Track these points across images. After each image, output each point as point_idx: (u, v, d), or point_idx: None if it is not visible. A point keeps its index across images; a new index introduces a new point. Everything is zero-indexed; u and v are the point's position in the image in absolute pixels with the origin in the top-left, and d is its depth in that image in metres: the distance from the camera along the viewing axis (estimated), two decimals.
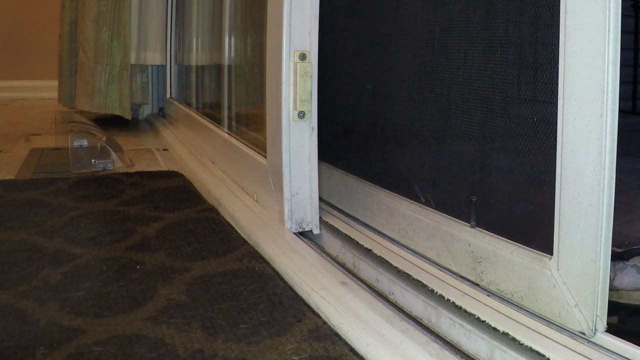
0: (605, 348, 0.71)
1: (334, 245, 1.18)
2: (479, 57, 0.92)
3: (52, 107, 3.07)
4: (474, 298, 0.85)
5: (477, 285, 0.90)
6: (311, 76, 1.20)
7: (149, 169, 1.92)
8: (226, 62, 2.04)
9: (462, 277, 0.93)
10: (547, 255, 0.78)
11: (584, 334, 0.73)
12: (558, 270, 0.76)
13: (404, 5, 1.13)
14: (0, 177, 1.77)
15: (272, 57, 1.26)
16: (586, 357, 0.70)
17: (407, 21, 1.13)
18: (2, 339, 0.83)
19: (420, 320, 0.90)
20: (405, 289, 0.95)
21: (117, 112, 2.65)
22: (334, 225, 1.21)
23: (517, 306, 0.83)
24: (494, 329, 0.77)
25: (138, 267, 1.09)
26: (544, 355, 0.71)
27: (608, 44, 0.68)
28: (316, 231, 1.23)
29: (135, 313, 0.91)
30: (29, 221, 1.35)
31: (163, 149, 2.30)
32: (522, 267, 0.82)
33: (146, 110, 3.07)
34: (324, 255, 1.14)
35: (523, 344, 0.73)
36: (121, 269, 1.08)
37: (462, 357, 0.79)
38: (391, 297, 0.98)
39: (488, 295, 0.86)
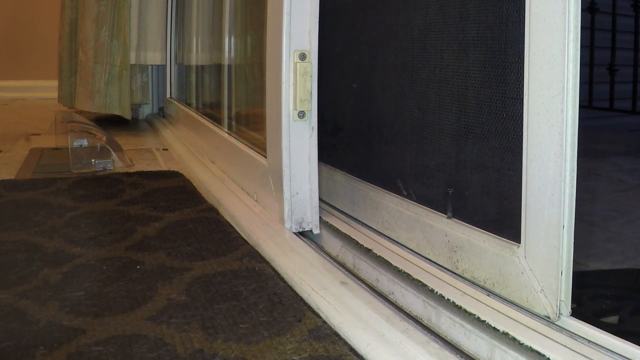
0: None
1: (334, 245, 1.18)
2: (454, 56, 0.96)
3: (52, 107, 3.07)
4: (473, 297, 0.85)
5: (455, 273, 0.94)
6: (311, 76, 1.20)
7: (149, 169, 1.92)
8: (226, 62, 2.04)
9: (440, 265, 0.97)
10: (516, 243, 0.82)
11: (549, 317, 0.77)
12: (525, 257, 0.80)
13: (387, 7, 1.17)
14: (0, 177, 1.77)
15: (272, 57, 1.26)
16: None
17: (390, 22, 1.16)
18: (2, 339, 0.83)
19: (420, 320, 0.90)
20: (405, 288, 0.95)
21: (117, 112, 2.65)
22: (334, 225, 1.21)
23: (493, 293, 0.86)
24: (494, 328, 0.77)
25: (138, 267, 1.09)
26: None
27: (568, 43, 0.72)
28: (316, 231, 1.23)
29: (135, 313, 0.91)
30: (29, 221, 1.35)
31: (163, 149, 2.30)
32: (493, 255, 0.86)
33: (146, 110, 3.07)
34: (324, 255, 1.14)
35: (523, 343, 0.74)
36: (121, 269, 1.08)
37: (462, 357, 0.79)
38: (391, 297, 0.98)
39: (488, 295, 0.86)
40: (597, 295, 1.01)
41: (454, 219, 0.96)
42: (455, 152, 0.97)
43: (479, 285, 0.89)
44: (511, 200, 0.83)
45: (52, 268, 1.08)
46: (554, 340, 0.73)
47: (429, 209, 1.02)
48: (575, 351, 0.71)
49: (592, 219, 1.52)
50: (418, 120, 1.08)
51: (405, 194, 1.10)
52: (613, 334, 0.72)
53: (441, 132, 1.01)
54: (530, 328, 0.76)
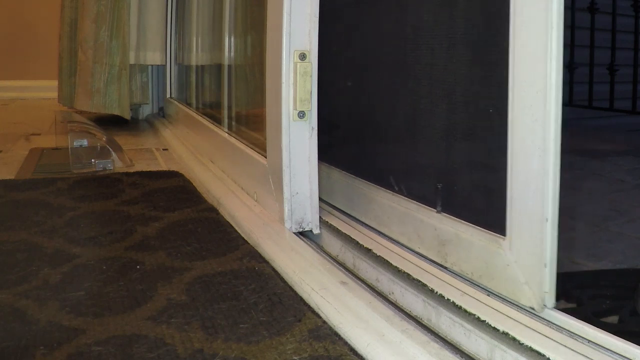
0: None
1: (333, 245, 1.19)
2: (444, 54, 0.98)
3: (52, 107, 3.07)
4: (473, 297, 0.85)
5: (443, 266, 0.96)
6: (311, 76, 1.20)
7: (149, 169, 1.92)
8: (226, 62, 2.04)
9: (429, 259, 0.99)
10: (501, 236, 0.84)
11: (533, 309, 0.78)
12: (510, 250, 0.82)
13: (380, 6, 1.19)
14: (0, 177, 1.77)
15: (272, 57, 1.26)
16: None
17: (382, 21, 1.18)
18: (2, 339, 0.83)
19: (420, 320, 0.90)
20: (405, 288, 0.95)
21: (116, 112, 2.65)
22: (334, 224, 1.21)
23: (480, 286, 0.88)
24: (494, 328, 0.77)
25: (138, 267, 1.09)
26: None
27: (551, 40, 0.73)
28: (316, 231, 1.23)
29: (135, 313, 0.91)
30: (29, 221, 1.35)
31: (163, 149, 2.30)
32: (480, 248, 0.88)
33: (146, 110, 3.07)
34: (324, 255, 1.14)
35: (523, 343, 0.74)
36: (121, 269, 1.08)
37: (462, 357, 0.79)
38: (391, 297, 0.98)
39: (488, 295, 0.86)
40: (597, 295, 1.01)
41: (443, 214, 0.98)
42: (444, 147, 0.99)
43: (466, 278, 0.91)
44: (497, 194, 0.85)
45: (52, 268, 1.08)
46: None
47: (419, 204, 1.04)
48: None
49: (592, 219, 1.52)
50: (409, 117, 1.09)
51: (397, 189, 1.11)
52: (613, 334, 0.72)
53: (431, 128, 1.02)
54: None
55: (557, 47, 0.73)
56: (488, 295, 0.86)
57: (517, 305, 0.81)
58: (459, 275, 0.92)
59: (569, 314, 0.76)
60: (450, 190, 0.97)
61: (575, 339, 0.72)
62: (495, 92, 0.85)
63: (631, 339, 0.70)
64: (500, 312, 0.80)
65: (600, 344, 0.71)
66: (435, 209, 0.99)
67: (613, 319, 0.94)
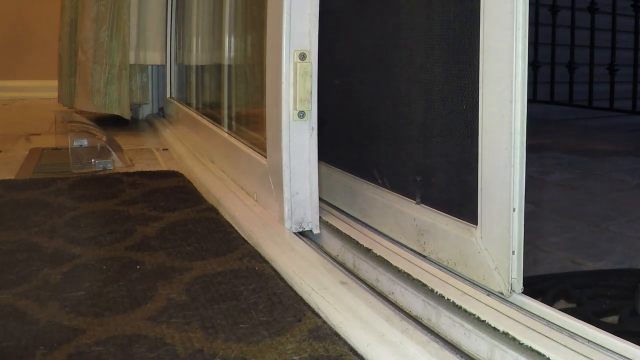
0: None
1: (334, 245, 1.19)
2: (421, 54, 1.03)
3: (52, 107, 3.07)
4: (473, 297, 0.85)
5: (422, 255, 1.00)
6: (311, 76, 1.20)
7: (149, 169, 1.92)
8: (226, 62, 2.04)
9: (409, 248, 1.04)
10: (474, 225, 0.88)
11: (502, 293, 0.83)
12: (482, 238, 0.86)
13: (364, 7, 1.24)
14: (0, 177, 1.77)
15: (272, 56, 1.26)
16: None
17: (366, 21, 1.22)
18: (2, 339, 0.83)
19: (420, 320, 0.90)
20: (405, 288, 0.95)
21: (116, 112, 2.65)
22: (334, 225, 1.21)
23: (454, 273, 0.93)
24: (494, 328, 0.77)
25: (138, 267, 1.09)
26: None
27: (516, 40, 0.78)
28: (316, 231, 1.23)
29: (135, 313, 0.91)
30: (29, 221, 1.35)
31: (163, 149, 2.30)
32: (454, 237, 0.92)
33: (146, 110, 3.06)
34: (324, 255, 1.14)
35: (523, 343, 0.74)
36: (121, 269, 1.08)
37: (462, 357, 0.79)
38: (391, 297, 0.98)
39: (488, 295, 0.86)
40: (597, 295, 1.01)
41: (422, 205, 1.02)
42: (422, 142, 1.04)
43: (442, 265, 0.95)
44: (470, 185, 0.89)
45: (52, 268, 1.08)
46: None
47: (400, 195, 1.09)
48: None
49: (592, 219, 1.53)
50: (390, 114, 1.14)
51: (380, 182, 1.16)
52: (613, 334, 0.72)
53: (410, 124, 1.07)
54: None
55: (523, 46, 0.78)
56: (488, 295, 0.86)
57: (487, 290, 0.85)
58: (435, 262, 0.97)
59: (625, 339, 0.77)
60: (428, 182, 1.02)
61: (575, 339, 0.73)
62: (468, 90, 0.89)
63: (631, 339, 0.70)
64: (500, 312, 0.80)
65: (600, 343, 0.71)
66: (415, 200, 1.04)
67: (613, 319, 0.94)
